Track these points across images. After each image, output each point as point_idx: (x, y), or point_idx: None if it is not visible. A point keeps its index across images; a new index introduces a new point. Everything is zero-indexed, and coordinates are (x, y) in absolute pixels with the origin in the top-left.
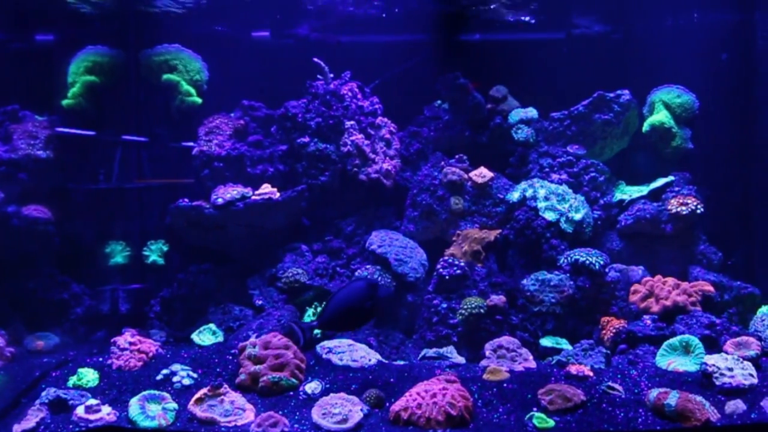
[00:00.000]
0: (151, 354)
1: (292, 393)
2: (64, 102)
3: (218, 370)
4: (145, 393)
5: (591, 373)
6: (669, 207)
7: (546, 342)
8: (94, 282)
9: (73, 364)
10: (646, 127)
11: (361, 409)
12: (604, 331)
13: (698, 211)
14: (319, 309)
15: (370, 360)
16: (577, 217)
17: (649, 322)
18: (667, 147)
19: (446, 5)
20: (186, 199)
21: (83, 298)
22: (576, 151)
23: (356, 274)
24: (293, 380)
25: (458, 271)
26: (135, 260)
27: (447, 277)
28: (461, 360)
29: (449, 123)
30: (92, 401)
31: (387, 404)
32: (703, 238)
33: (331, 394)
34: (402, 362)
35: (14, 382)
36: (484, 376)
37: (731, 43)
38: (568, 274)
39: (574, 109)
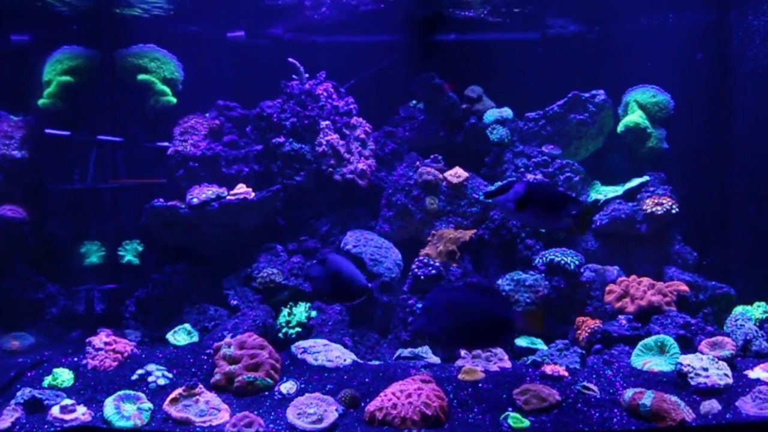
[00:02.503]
0: (126, 354)
1: (267, 393)
2: (40, 102)
3: (193, 370)
4: (120, 393)
5: (566, 373)
6: (644, 207)
7: (521, 342)
8: (70, 282)
9: (48, 364)
10: (621, 127)
11: (336, 409)
12: (579, 331)
13: (673, 211)
14: (294, 308)
15: (345, 360)
16: None
17: (624, 322)
18: (642, 147)
19: (422, 6)
20: (161, 199)
21: (58, 298)
22: (551, 151)
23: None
24: (268, 380)
25: (433, 271)
26: (110, 260)
27: (422, 277)
28: (436, 360)
29: (424, 123)
30: (67, 401)
31: (362, 404)
32: (678, 238)
33: (306, 394)
34: (377, 362)
35: None
36: (460, 376)
37: (706, 43)
38: (543, 274)
39: (549, 109)
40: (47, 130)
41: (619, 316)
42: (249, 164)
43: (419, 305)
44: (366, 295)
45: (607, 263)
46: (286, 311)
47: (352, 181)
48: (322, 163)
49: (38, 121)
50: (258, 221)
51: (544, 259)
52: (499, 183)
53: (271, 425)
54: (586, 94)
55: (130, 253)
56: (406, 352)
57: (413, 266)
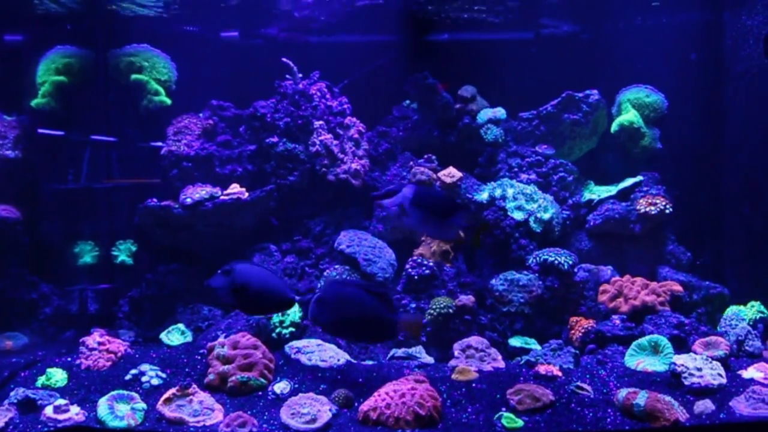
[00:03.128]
0: (119, 354)
1: (260, 393)
2: (34, 102)
3: (187, 370)
4: (114, 393)
5: (560, 373)
6: (638, 207)
7: (515, 342)
8: (63, 282)
9: (41, 364)
10: (614, 127)
11: (330, 409)
12: (572, 331)
13: (667, 211)
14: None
15: (338, 360)
16: (546, 216)
17: (617, 322)
18: (636, 147)
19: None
20: (155, 199)
21: (52, 298)
22: (545, 151)
23: (325, 274)
24: (262, 380)
25: (427, 271)
26: (104, 260)
27: (416, 277)
28: (430, 360)
29: (418, 123)
30: (61, 401)
31: (356, 404)
32: (672, 238)
33: (300, 394)
34: (371, 362)
35: None
36: (453, 376)
37: (700, 43)
38: (536, 274)
39: (542, 109)
40: (40, 130)
41: (613, 316)
42: (242, 164)
43: (412, 305)
44: (291, 307)
45: (601, 263)
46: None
47: (345, 181)
48: (316, 163)
49: (32, 121)
50: (251, 221)
51: (537, 258)
52: (390, 187)
53: (264, 425)
54: (580, 94)
55: (123, 253)
56: (399, 352)
57: (407, 266)
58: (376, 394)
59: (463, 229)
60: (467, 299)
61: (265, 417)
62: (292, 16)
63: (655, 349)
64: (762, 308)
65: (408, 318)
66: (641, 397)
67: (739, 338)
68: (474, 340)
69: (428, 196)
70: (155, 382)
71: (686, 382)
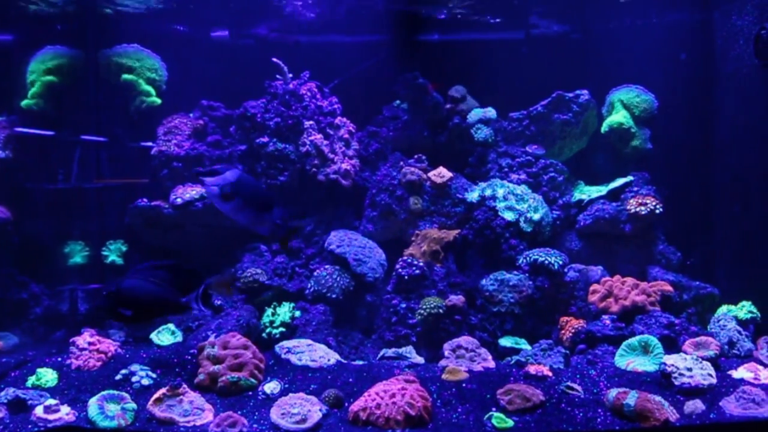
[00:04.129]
0: (110, 354)
1: (251, 393)
2: (24, 102)
3: (177, 370)
4: (104, 393)
5: (550, 373)
6: (628, 207)
7: (505, 342)
8: (54, 282)
9: (32, 364)
10: (605, 127)
11: (320, 409)
12: (563, 331)
13: (657, 211)
14: (277, 308)
15: (329, 360)
16: (536, 216)
17: (608, 322)
18: (626, 147)
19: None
20: (145, 199)
21: (42, 298)
22: (535, 151)
23: (315, 274)
24: (252, 380)
25: (417, 271)
26: (94, 260)
27: (406, 277)
28: (420, 360)
29: (408, 123)
30: (51, 401)
31: (346, 404)
32: (662, 238)
33: (290, 394)
34: (361, 362)
35: None
36: (443, 376)
37: (690, 43)
38: (527, 274)
39: (533, 109)
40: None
41: (603, 316)
42: (233, 164)
43: (403, 305)
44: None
45: (591, 263)
46: (269, 311)
47: (336, 181)
48: (306, 163)
49: (22, 121)
50: None
51: (528, 259)
52: (216, 167)
53: (254, 425)
54: (570, 94)
55: (114, 253)
56: (390, 352)
57: (397, 266)
58: (366, 394)
59: (275, 227)
60: (457, 299)
61: (255, 417)
62: (282, 12)
63: (645, 349)
64: (752, 308)
65: (217, 279)
66: (631, 397)
67: (732, 339)
68: (464, 340)
69: (249, 186)
70: (145, 382)
71: (676, 382)
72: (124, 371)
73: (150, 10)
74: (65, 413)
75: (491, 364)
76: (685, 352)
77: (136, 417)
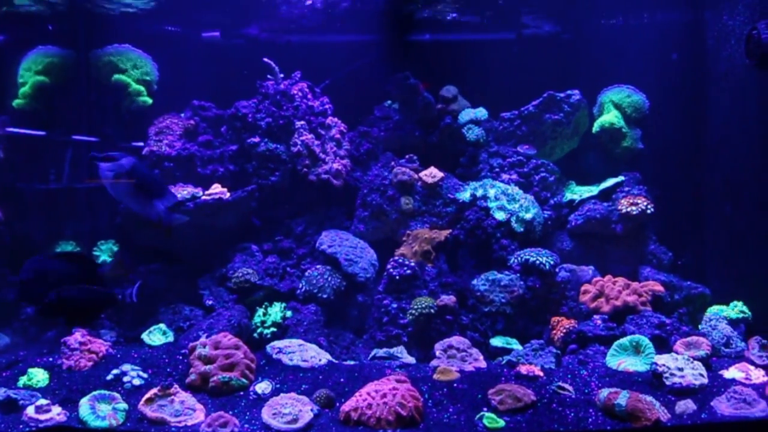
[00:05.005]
0: (101, 354)
1: (242, 393)
2: (15, 102)
3: (168, 370)
4: (96, 393)
5: (541, 373)
6: (619, 207)
7: (496, 342)
8: None
9: (23, 364)
10: (596, 127)
11: (312, 409)
12: (554, 331)
13: (648, 211)
14: (269, 309)
15: (320, 360)
16: (528, 216)
17: (599, 322)
18: (618, 147)
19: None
20: None
21: None
22: (526, 151)
23: (306, 274)
24: (243, 380)
25: (408, 271)
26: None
27: (397, 277)
28: (411, 360)
29: (399, 123)
30: (42, 401)
31: (337, 404)
32: (654, 238)
33: (282, 394)
34: (352, 362)
35: None
36: (435, 376)
37: (681, 43)
38: (518, 274)
39: (524, 109)
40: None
41: (594, 316)
42: (224, 164)
43: (394, 306)
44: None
45: (582, 263)
46: (261, 311)
47: (327, 181)
48: (297, 163)
49: (13, 121)
50: (233, 221)
51: (519, 259)
52: (111, 153)
53: (246, 425)
54: (561, 94)
55: (105, 253)
56: (381, 352)
57: (388, 266)
58: (357, 394)
59: (162, 215)
60: (449, 299)
61: (246, 417)
62: (275, 12)
63: (636, 349)
64: (744, 308)
65: (110, 267)
66: (622, 397)
67: (725, 338)
68: (455, 340)
69: (143, 174)
70: (137, 382)
71: (667, 382)
72: (115, 371)
73: (141, 10)
74: (56, 413)
75: (482, 364)
76: (677, 352)
77: (127, 417)
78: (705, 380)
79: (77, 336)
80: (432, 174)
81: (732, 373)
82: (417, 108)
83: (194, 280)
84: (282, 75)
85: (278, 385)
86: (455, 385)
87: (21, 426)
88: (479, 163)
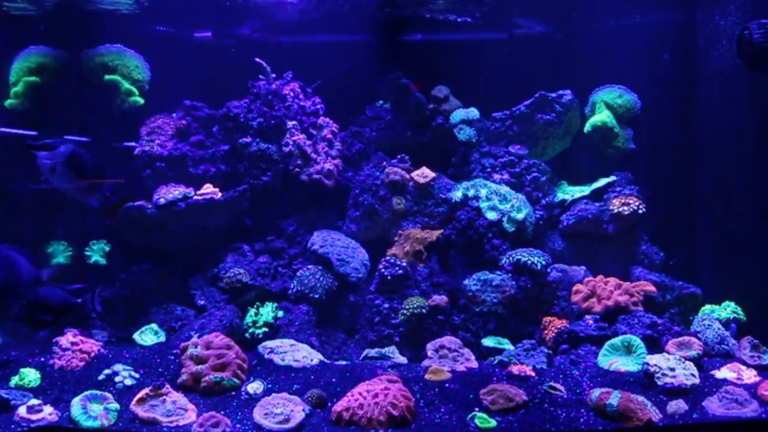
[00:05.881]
0: (93, 354)
1: (234, 393)
2: (7, 102)
3: (160, 370)
4: (87, 393)
5: (533, 373)
6: (611, 207)
7: (488, 342)
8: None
9: (15, 364)
10: (587, 127)
11: (303, 409)
12: (546, 331)
13: (640, 211)
14: (261, 309)
15: (312, 360)
16: (519, 216)
17: (591, 322)
18: (609, 147)
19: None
20: None
21: None
22: (518, 151)
23: (298, 274)
24: (235, 380)
25: (400, 271)
26: (77, 260)
27: (389, 277)
28: (403, 360)
29: (391, 123)
30: (34, 401)
31: (329, 404)
32: (645, 238)
33: (273, 394)
34: (344, 362)
35: None
36: (426, 376)
37: (673, 43)
38: (510, 274)
39: (516, 109)
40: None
41: (586, 316)
42: (216, 164)
43: (386, 306)
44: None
45: (574, 263)
46: (252, 311)
47: (318, 181)
48: (289, 164)
49: (5, 121)
50: (225, 221)
51: (510, 259)
52: (47, 141)
53: (237, 425)
54: (553, 94)
55: (97, 253)
56: (372, 352)
57: (380, 266)
58: (349, 394)
59: (104, 200)
60: (440, 299)
61: (238, 417)
62: (267, 12)
63: (628, 350)
64: (736, 308)
65: (51, 272)
66: (614, 397)
67: (717, 338)
68: (447, 340)
69: (81, 160)
70: (128, 382)
71: (659, 382)
72: (107, 371)
73: (133, 11)
74: (48, 413)
75: (474, 364)
76: (668, 352)
77: (119, 417)
78: (696, 380)
79: (69, 336)
80: (424, 174)
81: (723, 373)
82: (409, 108)
83: (186, 280)
84: (274, 75)
85: (270, 385)
86: (447, 385)
87: (13, 426)
88: (471, 163)
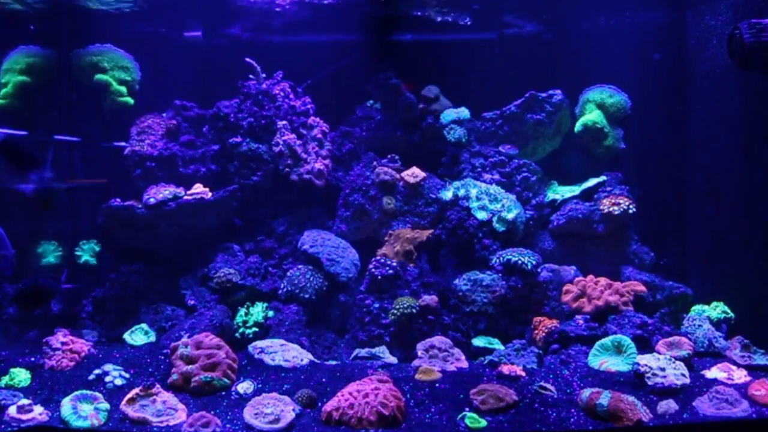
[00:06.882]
0: (83, 354)
1: (224, 393)
2: None
3: (150, 370)
4: (77, 393)
5: (523, 373)
6: (601, 207)
7: (478, 342)
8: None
9: (5, 364)
10: (578, 127)
11: (293, 409)
12: (536, 331)
13: (630, 211)
14: (251, 308)
15: (302, 360)
16: (510, 216)
17: (581, 322)
18: (600, 147)
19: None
20: (118, 199)
21: None
22: (508, 151)
23: (288, 274)
24: (225, 380)
25: (390, 271)
26: (67, 260)
27: (379, 277)
28: (393, 360)
29: (381, 123)
30: (24, 401)
31: (319, 404)
32: (636, 238)
33: (263, 394)
34: (334, 362)
35: None
36: (417, 376)
37: (663, 42)
38: (500, 274)
39: (506, 109)
40: None
41: (576, 316)
42: (206, 164)
43: (376, 305)
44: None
45: (564, 263)
46: (243, 311)
47: (309, 181)
48: (279, 163)
49: None
50: (215, 221)
51: (501, 259)
52: None
53: (228, 425)
54: (543, 94)
55: (87, 253)
56: (363, 352)
57: (370, 266)
58: (339, 394)
59: (38, 188)
60: (430, 299)
61: (228, 417)
62: (255, 10)
63: (618, 349)
64: (726, 308)
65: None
66: (604, 397)
67: (708, 338)
68: (437, 340)
69: (13, 148)
70: (118, 382)
71: (649, 382)
72: (97, 371)
73: (123, 10)
74: (38, 413)
75: (464, 364)
76: (659, 352)
77: (109, 417)
78: (687, 380)
79: (59, 336)
80: (414, 174)
81: (714, 373)
82: (399, 108)
83: (176, 280)
84: (264, 75)
85: (260, 385)
86: (437, 385)
87: (2, 426)
88: (461, 163)
